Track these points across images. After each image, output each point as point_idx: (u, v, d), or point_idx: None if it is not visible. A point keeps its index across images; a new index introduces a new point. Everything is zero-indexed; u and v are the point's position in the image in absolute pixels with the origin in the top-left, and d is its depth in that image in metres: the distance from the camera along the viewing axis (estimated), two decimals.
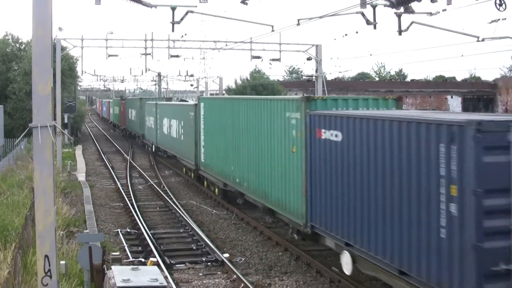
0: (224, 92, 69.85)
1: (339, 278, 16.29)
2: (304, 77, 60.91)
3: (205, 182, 30.80)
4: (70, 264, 15.07)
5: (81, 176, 36.53)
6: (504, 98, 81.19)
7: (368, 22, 26.09)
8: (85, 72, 66.40)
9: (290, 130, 18.12)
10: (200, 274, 17.67)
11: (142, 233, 21.87)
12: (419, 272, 12.00)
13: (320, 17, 26.67)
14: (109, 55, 43.51)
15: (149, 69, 58.37)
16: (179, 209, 26.14)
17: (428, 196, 11.60)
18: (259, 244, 21.01)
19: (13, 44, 61.27)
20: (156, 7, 23.80)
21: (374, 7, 25.27)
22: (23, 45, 60.57)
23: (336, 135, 15.45)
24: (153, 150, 46.59)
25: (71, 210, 24.43)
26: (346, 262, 15.32)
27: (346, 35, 37.01)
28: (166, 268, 17.48)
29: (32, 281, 13.94)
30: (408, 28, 27.37)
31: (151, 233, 21.89)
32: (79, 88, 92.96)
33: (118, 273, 9.99)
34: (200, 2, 27.54)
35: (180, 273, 17.68)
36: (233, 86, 70.03)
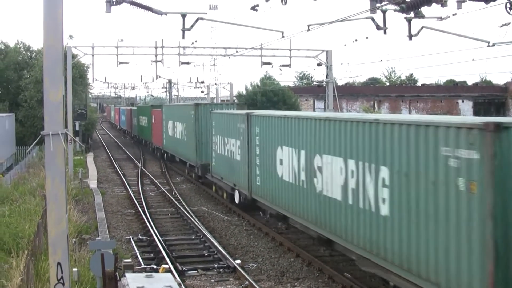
0: (234, 98, 69.95)
1: (351, 284, 16.22)
2: (314, 83, 60.82)
3: None
4: (82, 271, 15.08)
5: (93, 183, 36.61)
6: None
7: (378, 27, 26.11)
8: (96, 79, 67.19)
9: None
10: (212, 280, 17.64)
11: (154, 240, 21.87)
12: None
13: (330, 22, 26.66)
14: (120, 63, 43.78)
15: (159, 76, 58.43)
16: (191, 215, 26.14)
17: None
18: (271, 250, 20.96)
19: (24, 52, 61.66)
20: (166, 15, 23.90)
21: (384, 12, 25.28)
22: (34, 53, 60.98)
23: None
24: (240, 200, 26.25)
25: (82, 217, 24.49)
26: None
27: (356, 40, 36.94)
28: (178, 275, 17.48)
29: None
30: (418, 33, 27.33)
31: (163, 240, 21.89)
32: (90, 95, 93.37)
33: (132, 280, 9.98)
34: (210, 9, 27.73)
35: (192, 280, 17.67)
36: (244, 92, 70.13)
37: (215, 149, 29.92)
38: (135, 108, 74.02)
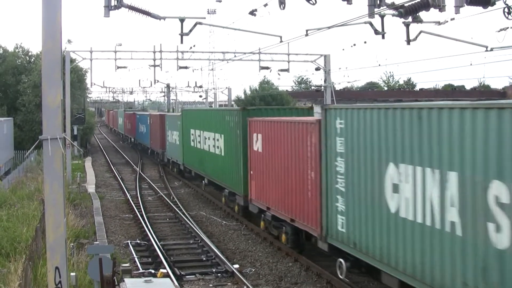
0: (233, 103, 69.96)
1: None
2: (312, 87, 60.91)
3: None
4: (80, 276, 15.07)
5: (91, 188, 36.58)
6: None
7: (376, 32, 26.07)
8: (94, 84, 66.79)
9: None
10: (210, 285, 17.63)
11: (152, 245, 21.86)
12: None
13: (329, 27, 26.65)
14: (118, 67, 43.68)
15: (158, 81, 58.16)
16: (189, 220, 26.12)
17: None
18: (269, 254, 20.95)
19: (23, 56, 61.58)
20: (164, 19, 23.84)
21: (382, 17, 25.25)
22: (33, 58, 60.87)
23: None
24: None
25: (81, 222, 24.46)
26: None
27: (354, 45, 36.88)
28: (176, 280, 17.46)
29: None
30: (416, 37, 27.31)
31: (161, 244, 21.87)
32: (88, 100, 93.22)
33: (131, 285, 9.98)
34: (208, 13, 27.67)
35: (190, 285, 17.65)
36: (242, 96, 70.16)
37: None
38: (176, 114, 45.81)
